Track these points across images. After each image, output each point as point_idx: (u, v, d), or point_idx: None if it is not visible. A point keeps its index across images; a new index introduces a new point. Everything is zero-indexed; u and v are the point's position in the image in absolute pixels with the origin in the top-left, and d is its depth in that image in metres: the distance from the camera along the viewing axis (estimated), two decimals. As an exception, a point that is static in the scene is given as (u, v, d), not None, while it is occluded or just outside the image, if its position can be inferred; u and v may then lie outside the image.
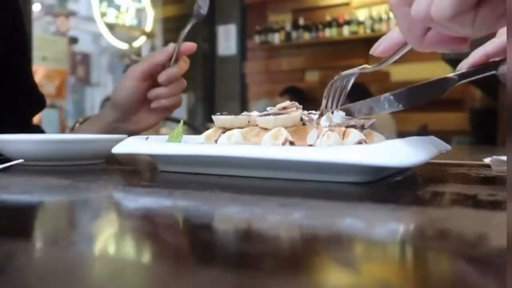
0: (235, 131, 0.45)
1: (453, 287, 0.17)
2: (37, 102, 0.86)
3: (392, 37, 0.42)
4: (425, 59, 3.49)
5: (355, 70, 0.47)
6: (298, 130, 0.44)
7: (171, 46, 0.71)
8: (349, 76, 0.46)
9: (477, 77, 0.44)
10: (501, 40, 0.44)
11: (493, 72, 0.43)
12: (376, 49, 0.42)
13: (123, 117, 0.76)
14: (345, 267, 0.19)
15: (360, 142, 0.41)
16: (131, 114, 0.76)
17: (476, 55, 0.45)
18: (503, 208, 0.29)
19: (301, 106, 0.47)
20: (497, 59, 0.43)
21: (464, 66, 0.46)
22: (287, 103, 0.47)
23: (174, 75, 0.72)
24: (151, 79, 0.73)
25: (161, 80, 0.72)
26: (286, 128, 0.43)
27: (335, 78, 0.46)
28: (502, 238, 0.22)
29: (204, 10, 0.67)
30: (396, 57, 0.42)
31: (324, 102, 0.47)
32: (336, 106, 0.47)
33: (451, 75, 0.45)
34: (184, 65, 0.73)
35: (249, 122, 0.46)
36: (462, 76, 0.44)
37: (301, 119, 0.45)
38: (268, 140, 0.42)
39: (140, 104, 0.75)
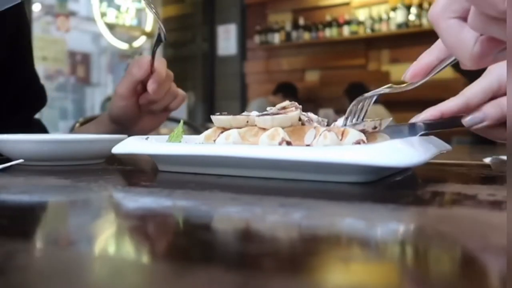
0: (233, 131, 0.45)
1: (453, 287, 0.17)
2: (39, 99, 0.86)
3: (421, 60, 0.40)
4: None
5: (379, 90, 0.45)
6: (296, 130, 0.43)
7: (146, 60, 0.71)
8: (371, 97, 0.46)
9: (436, 130, 0.47)
10: (456, 102, 0.46)
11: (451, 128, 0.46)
12: (406, 75, 0.41)
13: (126, 128, 0.77)
14: (345, 267, 0.19)
15: (358, 142, 0.41)
16: (133, 125, 0.77)
17: (430, 112, 0.47)
18: (503, 208, 0.29)
19: (300, 106, 0.47)
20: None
21: (416, 120, 0.48)
22: (286, 103, 0.47)
23: (153, 100, 0.73)
24: (141, 89, 0.74)
25: (141, 102, 0.73)
26: (284, 128, 0.43)
27: (358, 99, 0.45)
28: (502, 238, 0.22)
29: (164, 35, 0.72)
30: (428, 78, 0.41)
31: (344, 121, 0.46)
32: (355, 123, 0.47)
33: (419, 122, 0.47)
34: (166, 82, 0.73)
35: (247, 122, 0.46)
36: (428, 126, 0.47)
37: (300, 119, 0.45)
38: (265, 140, 0.42)
39: (138, 114, 0.76)
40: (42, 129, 0.87)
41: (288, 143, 0.42)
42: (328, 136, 0.41)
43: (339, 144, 0.41)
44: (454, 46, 0.33)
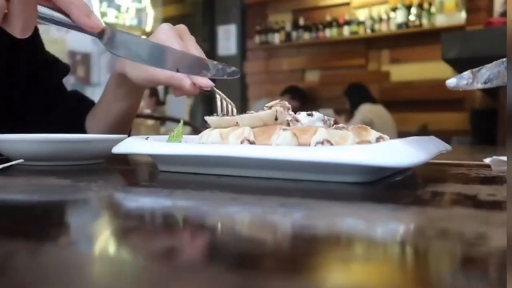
0: (215, 130, 0.45)
1: (453, 287, 0.17)
2: (59, 69, 0.85)
3: None
4: (425, 59, 3.49)
5: None
6: (266, 129, 0.43)
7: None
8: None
9: None
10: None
11: None
12: None
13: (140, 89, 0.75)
14: (345, 267, 0.19)
15: (321, 142, 0.40)
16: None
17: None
18: (503, 208, 0.29)
19: (289, 106, 0.47)
20: None
21: None
22: (273, 102, 0.47)
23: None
24: None
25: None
26: (255, 127, 0.43)
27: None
28: (502, 238, 0.22)
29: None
30: None
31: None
32: None
33: None
34: None
35: (237, 123, 0.46)
36: None
37: (276, 118, 0.44)
38: (233, 140, 0.43)
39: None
40: (80, 98, 0.86)
41: (251, 143, 0.42)
42: (281, 135, 0.41)
43: (293, 144, 0.41)
44: None
